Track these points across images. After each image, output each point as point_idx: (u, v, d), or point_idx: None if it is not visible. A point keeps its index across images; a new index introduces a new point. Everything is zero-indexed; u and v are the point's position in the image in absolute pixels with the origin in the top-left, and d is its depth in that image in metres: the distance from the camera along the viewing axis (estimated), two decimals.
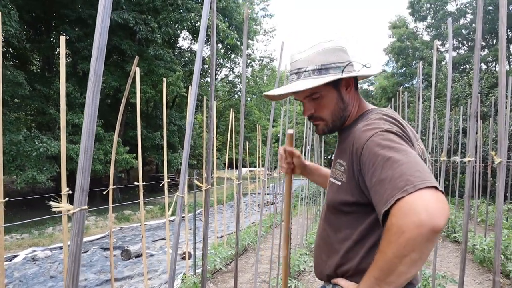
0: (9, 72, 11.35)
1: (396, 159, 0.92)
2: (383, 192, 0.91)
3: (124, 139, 16.01)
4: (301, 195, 9.26)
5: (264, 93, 1.35)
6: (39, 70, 17.65)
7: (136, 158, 13.94)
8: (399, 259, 0.84)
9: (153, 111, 20.36)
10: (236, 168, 9.97)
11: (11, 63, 15.18)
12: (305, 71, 1.22)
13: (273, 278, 4.45)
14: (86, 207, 1.10)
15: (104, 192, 3.66)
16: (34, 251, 7.73)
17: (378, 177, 0.94)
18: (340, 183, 1.17)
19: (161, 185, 4.49)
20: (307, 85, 1.16)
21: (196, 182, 1.86)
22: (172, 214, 10.70)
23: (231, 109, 7.78)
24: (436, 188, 0.85)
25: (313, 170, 1.61)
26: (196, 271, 5.32)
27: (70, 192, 2.78)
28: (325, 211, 1.30)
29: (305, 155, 6.90)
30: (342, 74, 1.19)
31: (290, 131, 1.52)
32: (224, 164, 9.04)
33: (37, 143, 11.50)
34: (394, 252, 0.84)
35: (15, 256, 7.29)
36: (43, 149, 11.39)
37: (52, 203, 1.10)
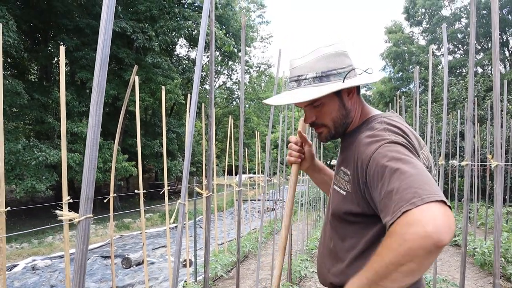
0: (7, 82, 11.39)
1: (404, 171, 0.90)
2: (390, 204, 0.88)
3: (123, 147, 16.02)
4: (301, 200, 9.26)
5: (264, 101, 1.30)
6: (37, 80, 17.70)
7: (136, 166, 13.94)
8: (395, 267, 0.83)
9: (152, 118, 20.39)
10: (236, 174, 9.98)
11: (9, 72, 15.22)
12: (305, 78, 1.18)
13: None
14: (91, 215, 1.13)
15: (105, 201, 3.67)
16: (34, 260, 7.71)
17: (386, 189, 0.92)
18: (345, 193, 1.15)
19: (161, 192, 4.50)
20: (308, 96, 1.13)
21: (197, 189, 1.88)
22: (173, 222, 10.67)
23: (230, 116, 7.81)
24: (444, 202, 0.83)
25: (320, 168, 1.54)
26: (197, 279, 5.32)
27: (71, 200, 2.80)
28: (330, 219, 1.28)
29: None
30: (343, 82, 1.15)
31: (301, 121, 1.45)
32: (224, 171, 9.05)
33: (36, 152, 11.49)
34: (392, 259, 0.83)
35: (15, 266, 7.27)
36: (42, 158, 11.38)
37: (58, 212, 1.12)
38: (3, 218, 2.52)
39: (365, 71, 1.22)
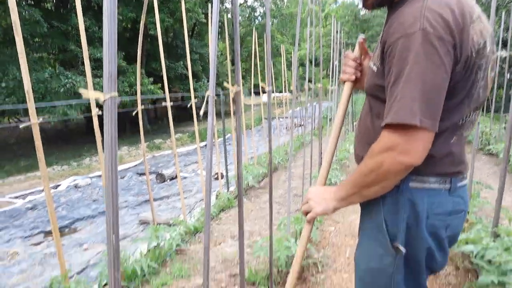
0: (24, 11, 11.15)
1: (406, 79, 0.92)
2: (386, 106, 0.99)
3: (147, 70, 15.99)
4: (329, 116, 9.17)
5: None
6: (53, 8, 17.30)
7: (162, 88, 13.98)
8: (375, 182, 1.04)
9: (173, 41, 19.93)
10: (264, 93, 9.88)
11: (24, 3, 14.86)
12: None
13: (305, 192, 4.54)
14: (116, 94, 1.05)
15: (133, 113, 3.68)
16: (75, 180, 8.20)
17: (389, 87, 0.98)
18: (376, 69, 1.09)
19: (188, 105, 4.50)
20: None
21: (225, 84, 1.78)
22: (202, 140, 10.93)
23: (254, 30, 7.47)
24: (420, 125, 0.91)
25: None
26: (229, 189, 5.52)
27: (100, 113, 2.82)
28: (366, 98, 1.23)
29: (332, 71, 6.67)
30: None
31: (361, 37, 1.32)
32: (249, 91, 8.94)
33: (62, 79, 11.64)
34: (373, 178, 1.03)
35: (58, 185, 7.77)
36: (70, 85, 11.56)
37: (82, 90, 1.05)
38: (37, 129, 2.55)
39: None
